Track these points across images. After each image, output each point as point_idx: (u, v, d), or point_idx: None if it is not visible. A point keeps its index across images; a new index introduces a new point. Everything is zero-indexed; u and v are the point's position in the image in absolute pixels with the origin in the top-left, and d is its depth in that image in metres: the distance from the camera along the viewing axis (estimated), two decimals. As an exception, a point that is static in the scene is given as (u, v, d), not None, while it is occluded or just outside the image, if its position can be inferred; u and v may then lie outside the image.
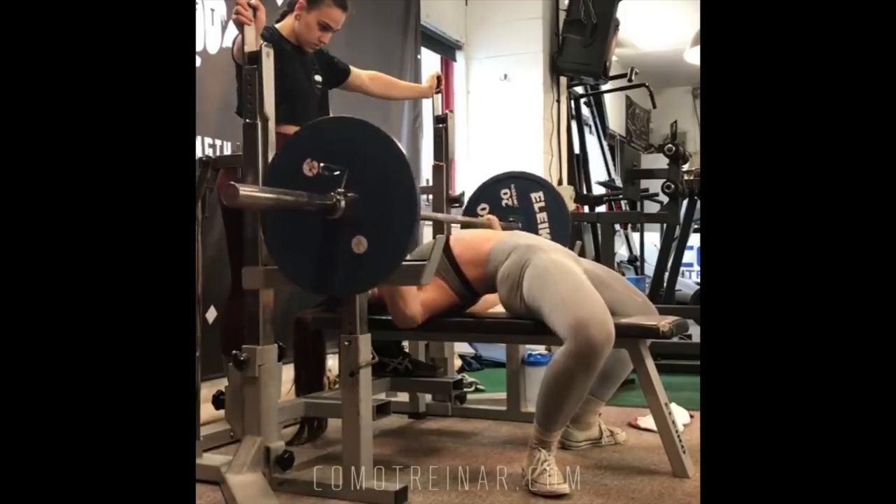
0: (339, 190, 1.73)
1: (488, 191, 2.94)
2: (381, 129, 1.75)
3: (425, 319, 2.18)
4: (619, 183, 6.05)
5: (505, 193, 2.91)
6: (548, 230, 2.88)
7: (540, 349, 4.08)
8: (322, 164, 1.76)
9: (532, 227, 2.87)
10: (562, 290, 1.96)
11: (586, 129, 5.81)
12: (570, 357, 1.87)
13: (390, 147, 1.73)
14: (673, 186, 3.61)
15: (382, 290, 2.15)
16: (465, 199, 2.94)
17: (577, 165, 5.56)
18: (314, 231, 1.78)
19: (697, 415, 2.61)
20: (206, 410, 2.14)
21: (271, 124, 1.91)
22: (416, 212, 1.71)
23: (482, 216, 2.88)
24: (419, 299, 2.15)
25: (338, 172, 1.74)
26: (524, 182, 2.92)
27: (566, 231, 2.89)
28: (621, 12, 5.11)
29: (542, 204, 2.87)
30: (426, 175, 3.09)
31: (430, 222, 3.28)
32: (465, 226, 2.84)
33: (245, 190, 1.57)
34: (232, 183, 1.55)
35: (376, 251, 1.73)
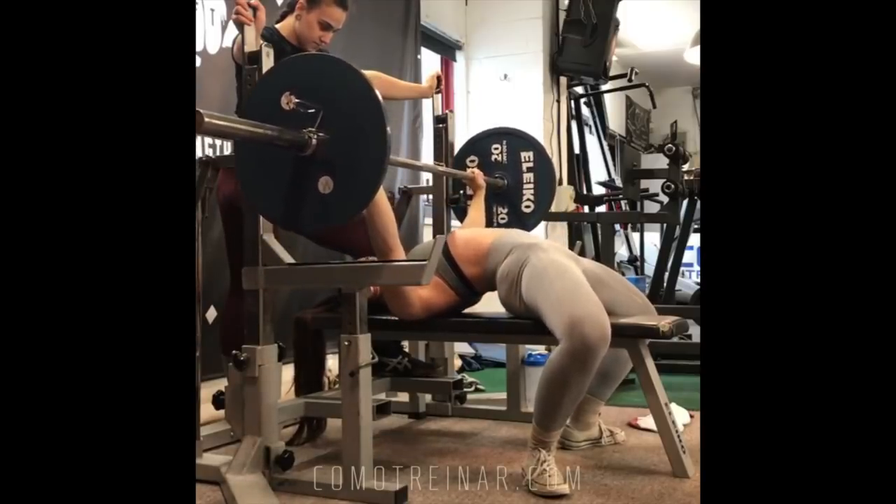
0: (312, 129, 1.71)
1: (479, 144, 2.93)
2: (362, 75, 1.72)
3: (425, 318, 2.18)
4: (619, 183, 6.06)
5: (496, 149, 2.89)
6: (533, 191, 2.87)
7: (540, 349, 4.09)
8: (298, 100, 1.73)
9: (517, 186, 2.87)
10: (558, 290, 1.96)
11: (586, 129, 5.81)
12: (565, 356, 1.87)
13: (367, 93, 1.69)
14: (673, 186, 3.61)
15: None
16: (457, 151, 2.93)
17: (577, 165, 5.56)
18: (285, 166, 1.75)
19: (697, 415, 2.61)
20: (206, 410, 2.14)
21: (271, 124, 1.91)
22: (385, 158, 1.67)
23: (470, 168, 2.88)
24: (419, 296, 2.15)
25: (313, 111, 1.71)
26: (516, 139, 2.90)
27: (550, 194, 2.89)
28: (621, 12, 5.12)
29: (531, 164, 2.86)
30: (426, 175, 3.09)
31: (430, 222, 3.27)
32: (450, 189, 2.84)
33: (212, 118, 1.53)
34: (199, 110, 1.49)
35: (341, 193, 1.71)
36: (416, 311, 2.14)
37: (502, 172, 2.89)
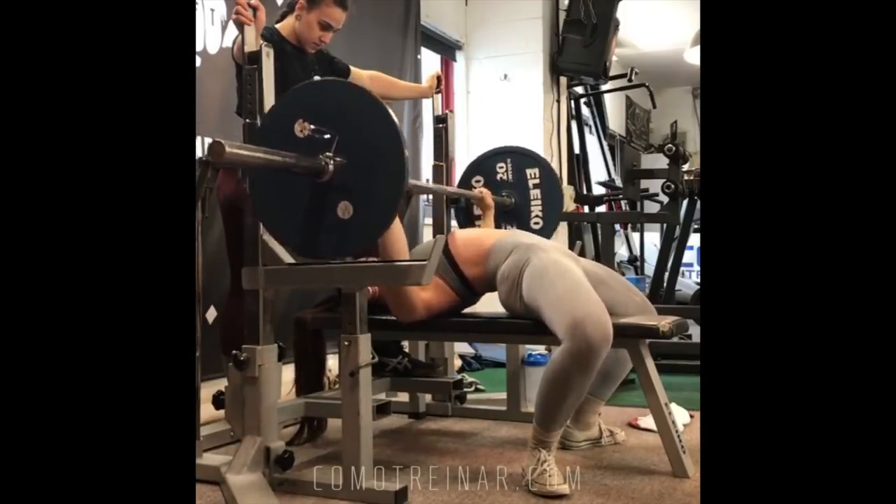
0: (328, 154, 1.71)
1: (484, 164, 2.94)
2: (375, 97, 1.73)
3: (426, 319, 2.18)
4: (619, 183, 6.06)
5: (500, 167, 2.90)
6: (540, 207, 2.87)
7: (540, 349, 4.08)
8: (313, 127, 1.73)
9: (525, 203, 2.87)
10: (559, 290, 1.96)
11: (586, 129, 5.81)
12: (567, 356, 1.87)
13: (382, 115, 1.70)
14: (673, 186, 3.61)
15: (383, 286, 2.15)
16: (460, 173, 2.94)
17: (577, 165, 5.56)
18: (302, 193, 1.76)
19: (697, 415, 2.61)
20: (206, 410, 2.14)
21: (271, 124, 1.91)
22: (404, 182, 1.68)
23: (476, 188, 2.88)
24: (422, 299, 2.15)
25: (328, 136, 1.72)
26: (520, 157, 2.91)
27: (558, 209, 2.89)
28: (621, 12, 5.11)
29: (537, 181, 2.87)
30: (426, 175, 3.09)
31: (430, 222, 3.27)
32: (457, 200, 2.83)
33: (232, 148, 1.54)
34: (219, 140, 1.51)
35: (361, 218, 1.71)
36: (418, 315, 2.14)
37: (509, 191, 2.90)
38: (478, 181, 2.92)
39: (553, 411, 1.91)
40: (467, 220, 2.94)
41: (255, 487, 1.82)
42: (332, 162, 1.71)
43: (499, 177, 2.90)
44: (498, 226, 2.86)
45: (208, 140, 2.79)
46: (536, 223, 2.90)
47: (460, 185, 2.92)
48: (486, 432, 2.57)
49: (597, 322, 1.87)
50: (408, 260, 1.93)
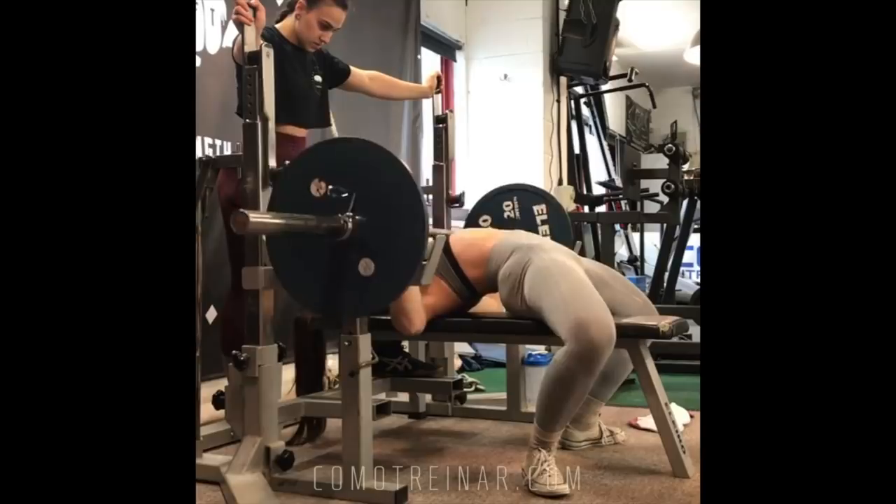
0: (348, 213, 1.73)
1: (490, 202, 2.94)
2: (390, 152, 1.76)
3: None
4: (619, 183, 6.05)
5: (507, 205, 2.91)
6: None
7: (540, 349, 4.08)
8: (330, 186, 1.76)
9: None
10: (563, 291, 1.96)
11: (586, 129, 5.81)
12: (571, 357, 1.87)
13: (399, 171, 1.74)
14: (673, 186, 3.61)
15: None
16: (466, 202, 2.93)
17: (577, 165, 5.56)
18: (321, 252, 1.78)
19: (697, 415, 2.61)
20: (206, 410, 2.14)
21: (271, 124, 1.91)
22: (424, 236, 1.71)
23: (484, 227, 2.89)
24: (423, 305, 2.14)
25: (346, 195, 1.74)
26: (526, 194, 2.92)
27: (568, 245, 2.88)
28: (621, 12, 5.11)
29: (545, 217, 2.88)
30: (426, 175, 3.09)
31: (430, 223, 3.28)
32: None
33: (255, 217, 1.58)
34: (242, 211, 1.56)
35: (383, 274, 1.74)
36: (416, 328, 2.12)
37: (517, 229, 2.89)
38: (485, 221, 2.92)
39: (555, 412, 1.91)
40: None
41: (255, 487, 1.82)
42: (350, 220, 1.73)
43: (506, 215, 2.91)
44: None
45: (208, 140, 2.80)
46: None
47: (467, 224, 2.93)
48: (486, 432, 2.57)
49: (600, 324, 1.87)
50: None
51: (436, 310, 2.19)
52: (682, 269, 4.41)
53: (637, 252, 5.96)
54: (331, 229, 1.73)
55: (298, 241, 1.81)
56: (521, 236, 2.26)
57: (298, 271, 1.84)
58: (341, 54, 2.70)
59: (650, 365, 2.04)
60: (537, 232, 2.86)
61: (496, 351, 4.04)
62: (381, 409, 1.98)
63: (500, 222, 2.89)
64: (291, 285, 1.87)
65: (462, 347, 4.09)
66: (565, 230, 2.87)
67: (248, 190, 1.90)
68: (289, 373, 2.37)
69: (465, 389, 2.90)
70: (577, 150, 5.58)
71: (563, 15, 5.15)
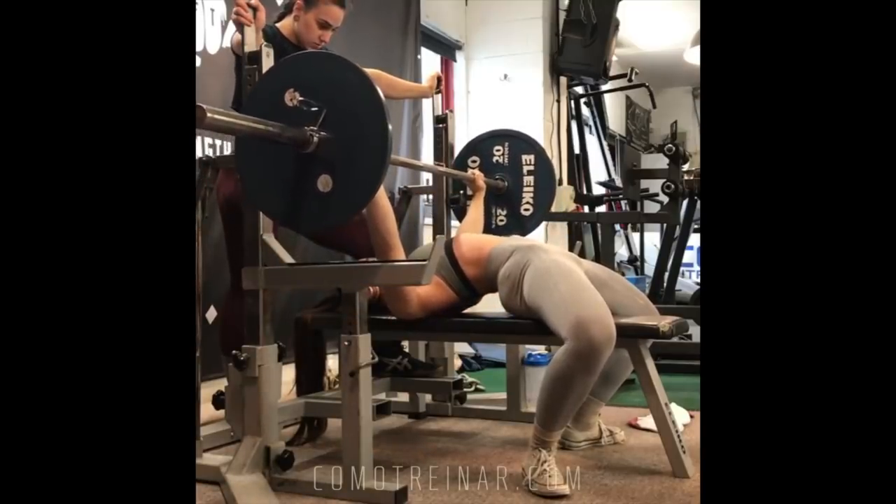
0: (314, 127, 1.70)
1: (482, 145, 2.95)
2: (365, 74, 1.71)
3: (425, 318, 2.18)
4: (619, 183, 6.05)
5: (497, 150, 2.91)
6: (532, 194, 2.89)
7: (540, 349, 4.09)
8: (302, 98, 1.72)
9: (517, 189, 2.89)
10: (563, 291, 1.96)
11: (586, 129, 5.81)
12: (571, 357, 1.87)
13: (370, 93, 1.69)
14: (673, 186, 3.61)
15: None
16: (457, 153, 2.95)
17: (577, 165, 5.56)
18: (286, 164, 1.75)
19: (697, 415, 2.61)
20: (206, 410, 2.14)
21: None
22: (385, 160, 1.67)
23: (472, 168, 2.89)
24: (417, 295, 2.15)
25: (316, 109, 1.71)
26: (518, 142, 2.92)
27: (549, 197, 2.91)
28: (621, 12, 5.11)
29: (532, 167, 2.88)
30: (426, 175, 3.09)
31: (430, 222, 3.27)
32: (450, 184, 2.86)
33: (214, 113, 1.52)
34: (200, 105, 1.48)
35: (340, 192, 1.71)
36: (413, 310, 2.14)
37: (503, 174, 2.90)
38: (474, 161, 2.93)
39: (555, 411, 1.91)
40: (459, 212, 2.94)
41: (255, 487, 1.82)
42: (317, 135, 1.70)
43: (495, 159, 2.91)
44: (488, 208, 2.86)
45: (208, 140, 2.80)
46: (527, 209, 2.90)
47: (456, 164, 2.92)
48: (486, 432, 2.57)
49: (601, 322, 1.87)
50: (408, 260, 1.93)
51: (435, 306, 2.19)
52: (682, 269, 4.41)
53: (637, 252, 5.96)
54: (294, 139, 1.69)
55: (265, 152, 1.78)
56: (519, 240, 2.27)
57: (264, 182, 1.81)
58: (341, 54, 2.69)
59: (650, 365, 2.04)
60: (522, 181, 2.87)
61: (496, 351, 4.05)
62: (381, 409, 1.98)
63: (488, 167, 2.90)
64: (255, 195, 1.84)
65: (462, 347, 4.09)
66: (549, 186, 2.88)
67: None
68: (289, 373, 2.37)
69: (465, 389, 2.91)
70: (577, 150, 5.58)
71: (563, 15, 5.15)
